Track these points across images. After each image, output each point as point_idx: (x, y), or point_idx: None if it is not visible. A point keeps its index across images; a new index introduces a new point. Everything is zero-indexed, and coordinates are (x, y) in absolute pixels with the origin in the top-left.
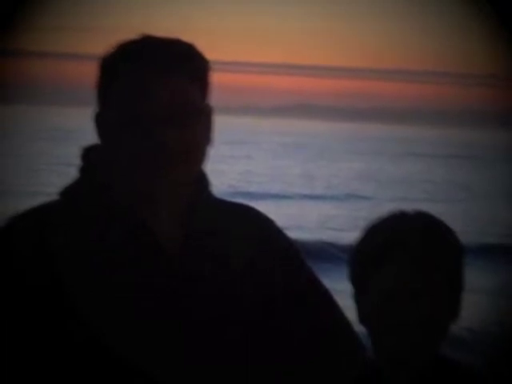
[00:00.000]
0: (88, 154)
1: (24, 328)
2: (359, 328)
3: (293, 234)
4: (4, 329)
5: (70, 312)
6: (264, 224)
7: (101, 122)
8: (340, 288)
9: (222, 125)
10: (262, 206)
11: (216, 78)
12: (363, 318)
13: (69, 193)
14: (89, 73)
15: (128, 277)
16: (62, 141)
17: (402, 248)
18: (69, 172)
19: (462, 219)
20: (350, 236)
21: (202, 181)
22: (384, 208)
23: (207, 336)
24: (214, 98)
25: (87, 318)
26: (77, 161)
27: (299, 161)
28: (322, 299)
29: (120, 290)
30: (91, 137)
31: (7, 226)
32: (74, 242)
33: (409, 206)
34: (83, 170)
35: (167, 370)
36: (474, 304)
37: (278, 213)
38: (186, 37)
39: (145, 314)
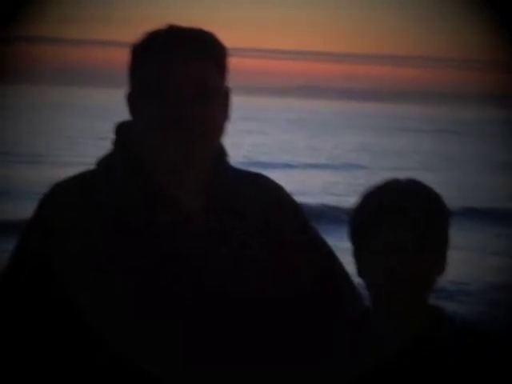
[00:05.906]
0: (120, 128)
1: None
2: (358, 280)
3: (299, 199)
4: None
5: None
6: (274, 189)
7: (132, 100)
8: (341, 246)
9: (237, 103)
10: (272, 174)
11: (233, 62)
12: (361, 271)
13: (103, 163)
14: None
15: (152, 239)
16: (98, 117)
17: (394, 210)
18: (104, 145)
19: (448, 186)
20: (349, 200)
21: (220, 152)
22: (379, 176)
23: (214, 322)
24: (231, 80)
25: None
26: (111, 135)
27: (304, 135)
28: (325, 256)
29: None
30: (123, 114)
31: (52, 191)
32: (107, 203)
33: (401, 175)
34: (116, 143)
35: (171, 368)
36: (458, 260)
37: (286, 180)
38: (205, 26)
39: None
